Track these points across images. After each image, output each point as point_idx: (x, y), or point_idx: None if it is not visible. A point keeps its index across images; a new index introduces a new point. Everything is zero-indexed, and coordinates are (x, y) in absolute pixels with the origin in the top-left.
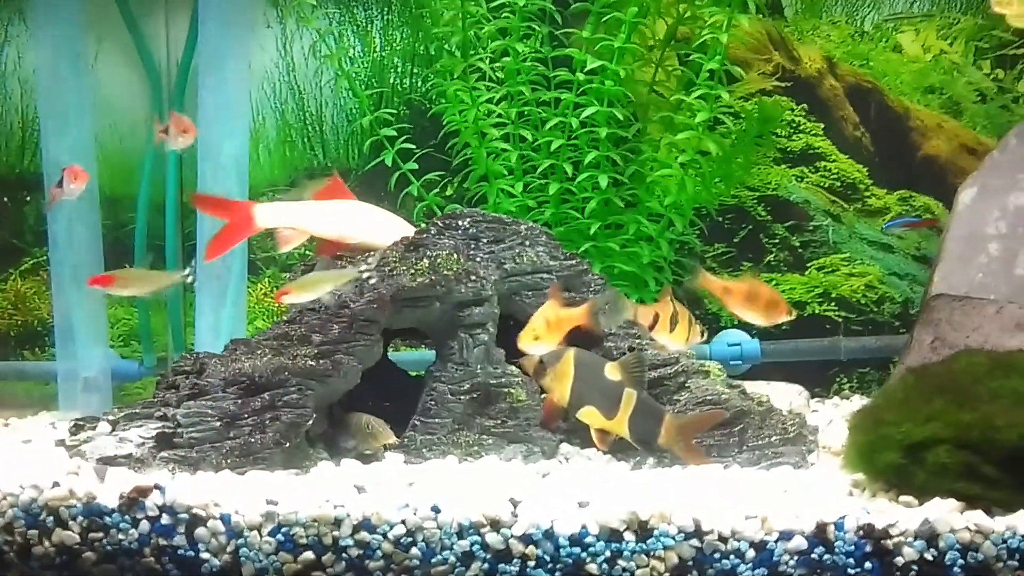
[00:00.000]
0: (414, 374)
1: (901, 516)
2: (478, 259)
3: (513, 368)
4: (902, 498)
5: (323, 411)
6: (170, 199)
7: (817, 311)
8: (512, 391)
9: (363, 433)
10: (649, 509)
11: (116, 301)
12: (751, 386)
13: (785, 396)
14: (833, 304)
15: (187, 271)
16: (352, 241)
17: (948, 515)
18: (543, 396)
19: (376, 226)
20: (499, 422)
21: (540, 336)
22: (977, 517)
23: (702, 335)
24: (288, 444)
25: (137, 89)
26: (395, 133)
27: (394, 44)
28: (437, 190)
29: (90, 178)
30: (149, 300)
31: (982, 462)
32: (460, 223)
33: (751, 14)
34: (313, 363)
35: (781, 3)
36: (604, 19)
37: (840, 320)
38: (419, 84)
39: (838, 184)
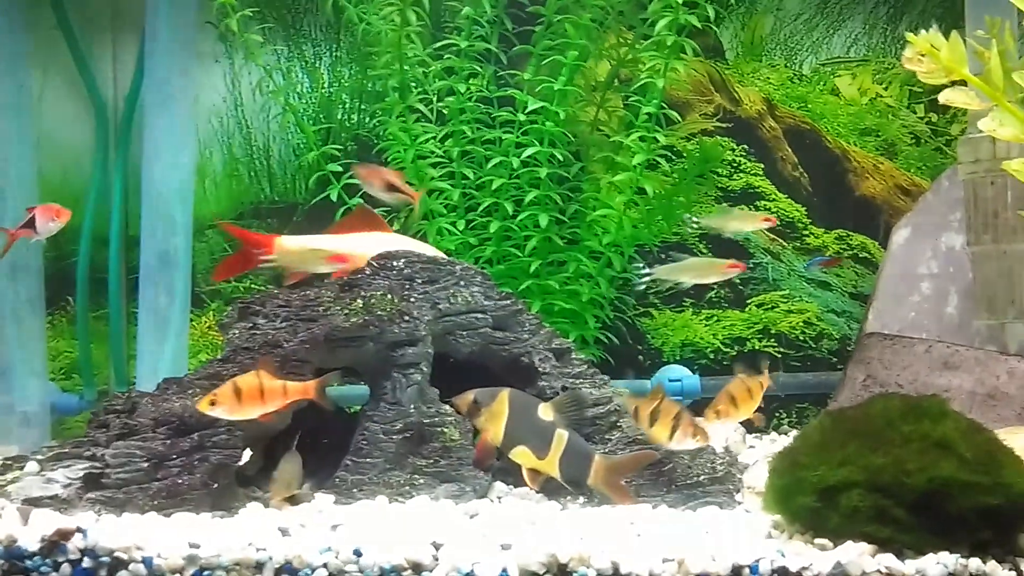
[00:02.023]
0: (354, 410)
1: (815, 559)
2: (412, 299)
3: (447, 407)
4: (817, 540)
5: (259, 450)
6: (114, 232)
7: (757, 347)
8: (445, 430)
9: (280, 482)
10: (569, 552)
11: (57, 333)
12: None
13: (721, 432)
14: (772, 340)
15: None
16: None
17: (859, 558)
18: (477, 435)
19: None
20: (431, 461)
21: (218, 402)
22: (888, 560)
23: (696, 436)
24: (216, 485)
25: (83, 122)
26: (341, 169)
27: (342, 80)
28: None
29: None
30: (90, 332)
31: (893, 505)
32: (395, 264)
33: (688, 59)
34: None
35: (722, 46)
36: (544, 62)
37: (779, 356)
38: (366, 120)
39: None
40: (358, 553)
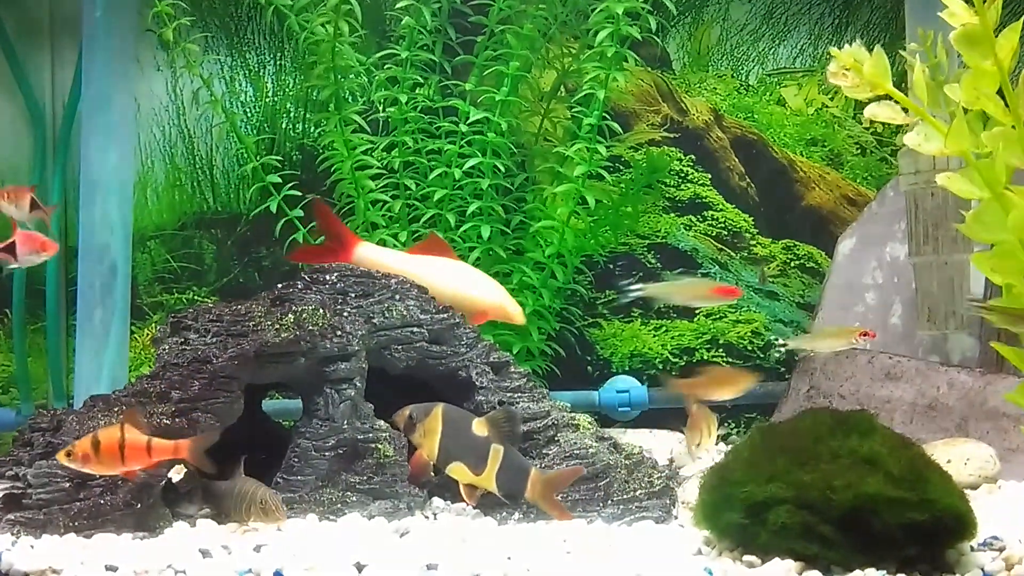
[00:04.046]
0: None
1: None
2: (345, 314)
3: (381, 423)
4: (746, 557)
5: (192, 469)
6: None
7: (706, 357)
8: (380, 447)
9: (255, 508)
10: (494, 571)
11: None
12: (635, 434)
13: (667, 444)
14: (721, 350)
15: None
16: (439, 297)
17: (787, 575)
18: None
19: (464, 285)
20: (365, 478)
21: (74, 455)
22: None
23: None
24: (140, 505)
25: (19, 130)
26: (280, 180)
27: (286, 89)
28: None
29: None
30: (26, 345)
31: (820, 522)
32: (327, 278)
33: (631, 69)
34: (169, 421)
35: (669, 56)
36: (486, 72)
37: (727, 366)
38: (311, 130)
39: (725, 233)
40: (278, 575)
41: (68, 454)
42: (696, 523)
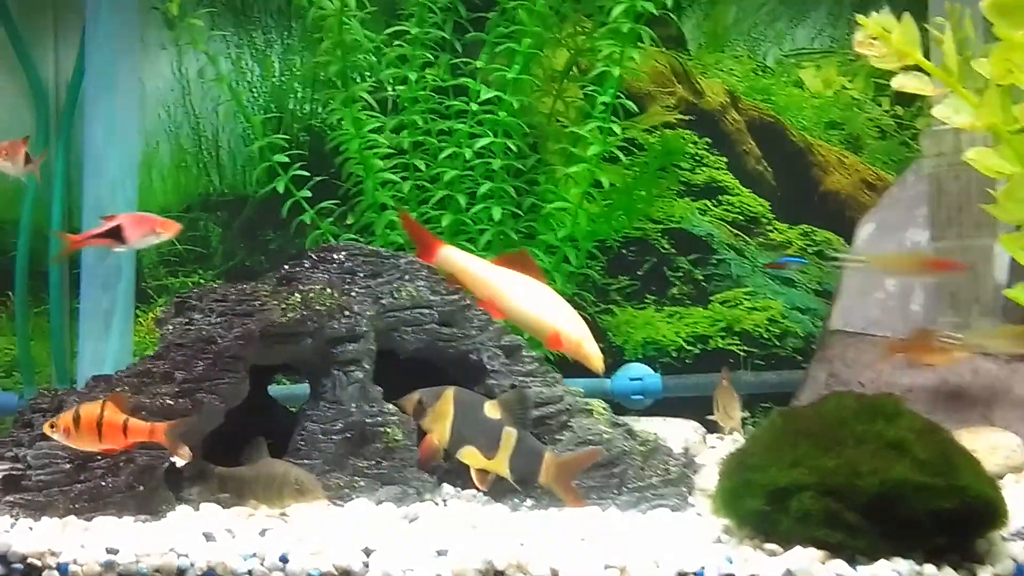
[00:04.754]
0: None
1: (763, 565)
2: (353, 294)
3: (390, 407)
4: (767, 545)
5: (198, 451)
6: (55, 224)
7: (720, 345)
8: (388, 430)
9: (290, 489)
10: (506, 558)
11: None
12: (648, 422)
13: (681, 433)
14: (736, 338)
15: None
16: (506, 315)
17: (810, 564)
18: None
19: (542, 309)
20: (373, 463)
21: (57, 427)
22: (839, 566)
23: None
24: (142, 488)
25: (22, 109)
26: (288, 159)
27: (294, 69)
28: (332, 219)
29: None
30: (29, 328)
31: (845, 509)
32: (335, 256)
33: (646, 47)
34: (172, 402)
35: (684, 37)
36: (498, 49)
37: (743, 354)
38: (319, 110)
39: (741, 218)
40: (284, 559)
41: (52, 425)
42: (715, 511)
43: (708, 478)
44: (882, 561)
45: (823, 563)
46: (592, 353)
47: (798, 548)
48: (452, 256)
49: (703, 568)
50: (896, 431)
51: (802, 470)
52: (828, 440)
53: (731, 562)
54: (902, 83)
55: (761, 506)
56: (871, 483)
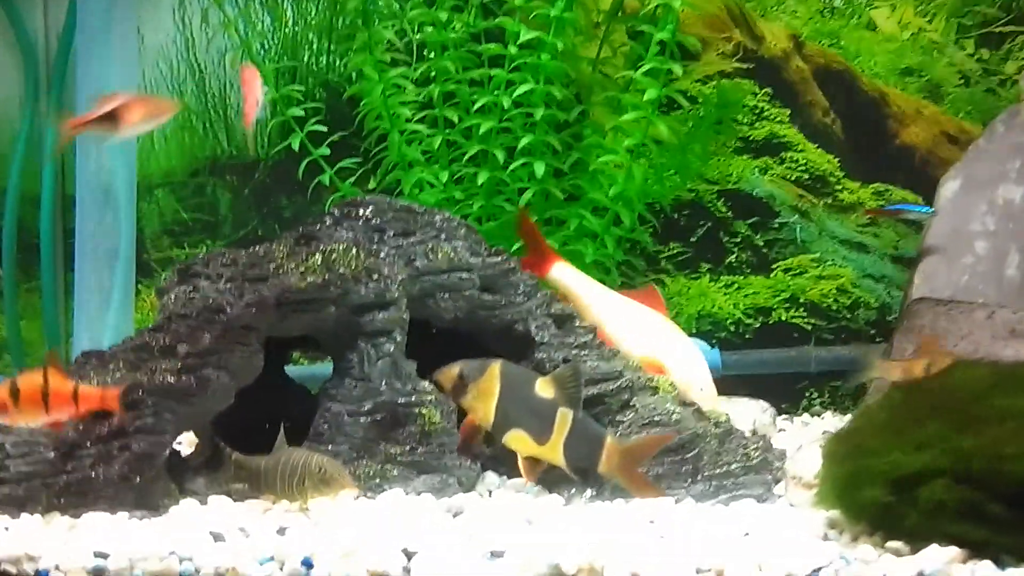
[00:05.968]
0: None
1: (890, 567)
2: (382, 255)
3: (426, 384)
4: (890, 544)
5: (206, 436)
6: (46, 191)
7: (784, 318)
8: (424, 412)
9: (312, 478)
10: (577, 561)
11: None
12: None
13: (748, 414)
14: (802, 310)
15: None
16: (615, 343)
17: (948, 566)
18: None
19: (661, 348)
20: (407, 449)
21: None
22: (984, 568)
23: None
24: (139, 479)
25: (8, 66)
26: (303, 113)
27: (308, 18)
28: (353, 180)
29: None
30: (19, 307)
31: (988, 499)
32: (361, 212)
33: None
34: (174, 379)
35: None
36: None
37: (809, 328)
38: (336, 62)
39: (806, 177)
40: (308, 564)
41: None
42: (819, 502)
43: (800, 464)
44: None
45: (964, 563)
46: (699, 399)
47: (932, 546)
48: (566, 275)
49: (818, 570)
50: None
51: (932, 453)
52: (962, 417)
53: (848, 563)
54: None
55: (882, 497)
56: (1020, 467)
